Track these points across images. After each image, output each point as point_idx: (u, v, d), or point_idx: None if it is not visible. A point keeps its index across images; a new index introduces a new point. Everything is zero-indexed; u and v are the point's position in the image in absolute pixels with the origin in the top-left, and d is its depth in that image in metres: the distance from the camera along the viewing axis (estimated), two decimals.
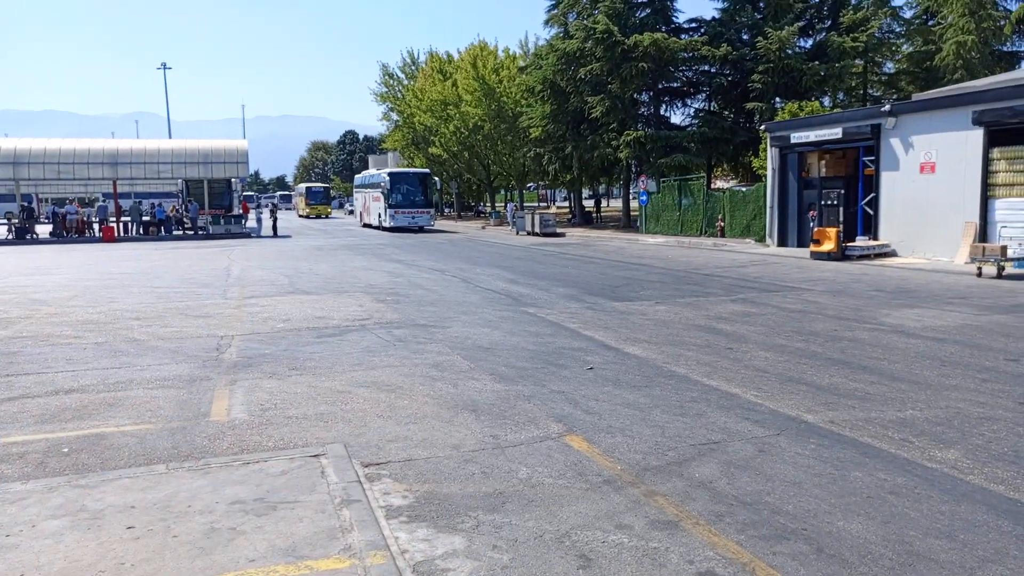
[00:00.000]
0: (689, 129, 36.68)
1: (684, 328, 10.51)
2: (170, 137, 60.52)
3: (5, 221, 42.94)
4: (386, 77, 63.13)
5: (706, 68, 36.84)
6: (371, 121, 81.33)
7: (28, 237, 36.44)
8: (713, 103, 38.86)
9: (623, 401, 6.85)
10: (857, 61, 34.53)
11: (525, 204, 59.12)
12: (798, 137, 23.77)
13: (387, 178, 41.72)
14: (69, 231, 37.59)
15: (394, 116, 62.25)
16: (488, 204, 60.90)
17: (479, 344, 9.56)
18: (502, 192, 66.30)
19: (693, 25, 38.00)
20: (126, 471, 5.08)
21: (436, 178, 43.92)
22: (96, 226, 38.26)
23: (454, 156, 53.46)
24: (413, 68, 62.60)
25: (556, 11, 40.65)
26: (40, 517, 4.29)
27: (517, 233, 37.41)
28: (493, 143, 48.92)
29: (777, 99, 33.63)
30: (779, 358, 8.54)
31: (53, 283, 17.23)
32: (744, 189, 30.16)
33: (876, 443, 5.64)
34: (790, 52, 32.56)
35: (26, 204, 40.79)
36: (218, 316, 12.02)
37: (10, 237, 36.66)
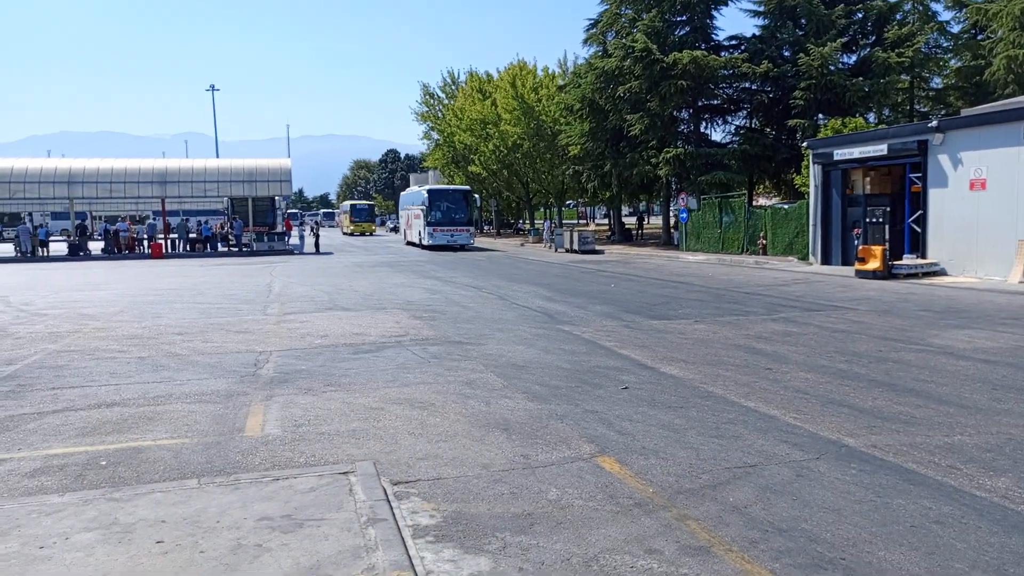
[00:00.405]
0: (730, 146, 36.33)
1: (723, 347, 10.32)
2: (217, 156, 62.05)
3: (62, 238, 44.34)
4: (427, 97, 64.01)
5: (746, 85, 36.52)
6: (412, 140, 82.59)
7: (81, 253, 37.60)
8: (754, 120, 38.47)
9: (657, 422, 6.73)
10: (903, 77, 33.91)
11: (564, 221, 59.11)
12: (841, 154, 23.34)
13: (426, 195, 41.00)
14: (120, 248, 38.69)
15: (434, 135, 62.96)
16: (527, 221, 61.03)
17: (513, 362, 9.51)
18: (541, 209, 66.42)
19: (733, 43, 37.73)
20: (159, 485, 5.14)
21: (476, 195, 42.77)
22: (145, 242, 39.31)
23: (493, 174, 53.76)
24: (453, 88, 63.32)
25: (594, 30, 40.80)
26: (74, 530, 4.35)
27: (555, 250, 37.37)
28: (532, 161, 49.08)
29: (820, 116, 33.15)
30: (820, 379, 8.32)
31: (102, 298, 17.70)
32: (786, 206, 29.69)
33: (921, 469, 5.43)
34: (833, 68, 32.09)
35: (80, 221, 42.11)
36: (258, 332, 12.19)
37: (64, 253, 37.89)
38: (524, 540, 4.32)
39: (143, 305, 16.18)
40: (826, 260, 24.43)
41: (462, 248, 40.08)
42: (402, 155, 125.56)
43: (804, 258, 25.66)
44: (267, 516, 4.51)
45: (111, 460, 5.80)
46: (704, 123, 38.79)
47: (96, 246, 41.41)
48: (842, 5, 33.94)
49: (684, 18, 36.99)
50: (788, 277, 21.21)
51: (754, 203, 37.30)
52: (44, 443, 6.29)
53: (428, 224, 40.38)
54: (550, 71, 51.45)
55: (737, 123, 39.13)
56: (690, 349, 10.25)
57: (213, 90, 68.09)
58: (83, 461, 5.80)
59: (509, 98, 46.86)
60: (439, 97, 63.87)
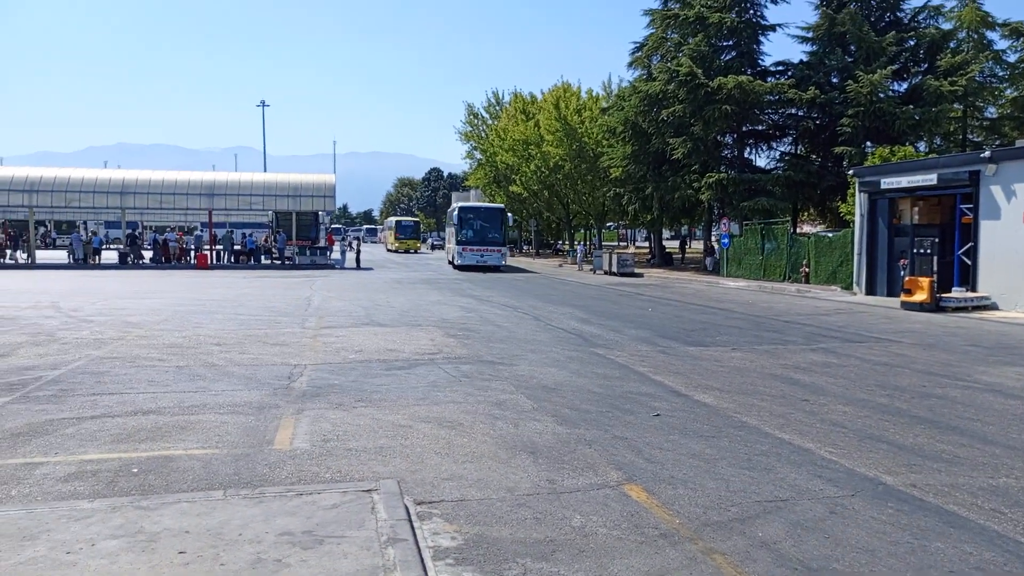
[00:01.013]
0: (774, 172, 35.90)
1: (759, 377, 10.11)
2: (265, 170, 63.44)
3: (117, 247, 45.62)
4: (471, 116, 64.70)
5: (792, 111, 36.12)
6: (456, 159, 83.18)
7: (130, 262, 38.65)
8: (799, 147, 38.01)
9: (688, 451, 6.60)
10: (956, 105, 33.17)
11: (604, 243, 58.92)
12: (889, 183, 22.86)
13: (457, 212, 39.16)
14: (169, 257, 39.66)
15: (477, 154, 63.52)
16: (566, 242, 61.00)
17: (544, 384, 9.44)
18: (581, 231, 66.35)
19: (779, 68, 37.45)
20: (186, 495, 5.19)
21: (510, 214, 40.50)
22: (192, 253, 40.25)
23: (534, 194, 53.94)
24: (497, 108, 63.91)
25: (639, 54, 40.88)
26: (100, 536, 4.41)
27: (594, 272, 37.23)
28: (573, 182, 49.14)
29: (867, 144, 32.59)
30: (859, 413, 8.08)
31: (147, 307, 18.13)
32: (830, 235, 29.16)
33: (963, 512, 5.21)
34: (882, 96, 31.58)
35: (131, 231, 43.34)
36: (294, 345, 12.33)
37: (115, 261, 39.00)
38: (545, 567, 4.24)
39: (185, 315, 16.52)
40: (871, 290, 23.88)
41: (496, 269, 37.98)
42: (445, 174, 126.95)
43: (848, 288, 25.12)
44: (288, 531, 4.52)
45: (143, 468, 5.89)
46: (748, 148, 38.44)
47: (146, 255, 42.53)
48: (893, 32, 33.47)
49: (730, 43, 36.83)
50: (830, 307, 20.76)
51: (797, 230, 36.71)
52: (80, 448, 6.42)
53: (458, 243, 38.45)
54: (594, 93, 51.66)
55: (782, 149, 38.75)
56: (726, 377, 10.06)
57: (263, 106, 69.79)
58: (116, 468, 5.90)
59: (552, 119, 47.09)
60: (483, 117, 64.52)
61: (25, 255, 40.39)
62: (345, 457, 6.25)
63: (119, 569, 3.98)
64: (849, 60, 34.04)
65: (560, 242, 69.51)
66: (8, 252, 39.92)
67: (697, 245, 62.82)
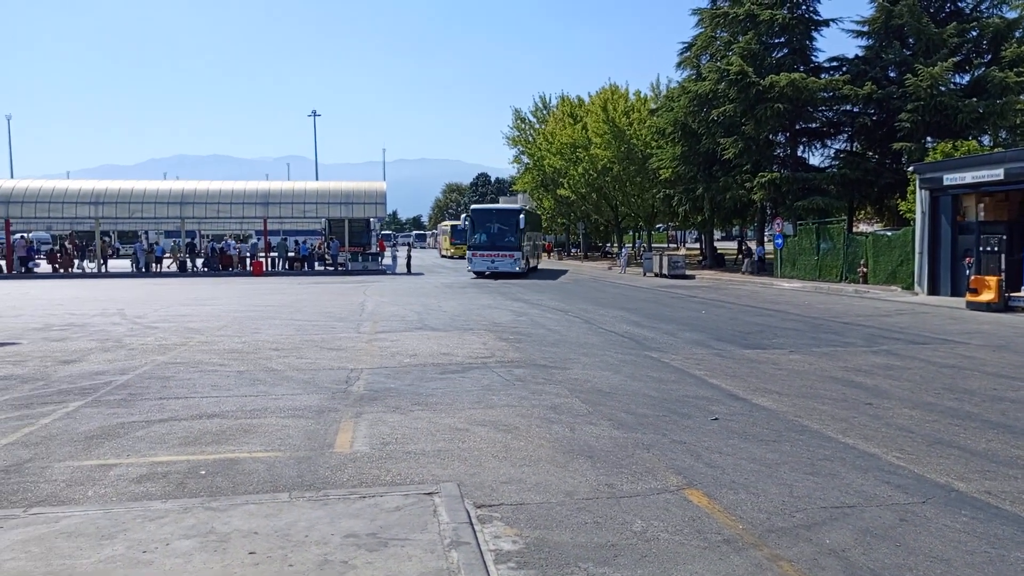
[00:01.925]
0: (829, 171, 35.07)
1: (819, 380, 9.88)
2: (317, 179, 64.65)
3: (177, 256, 46.98)
4: (518, 121, 64.82)
5: (848, 108, 35.21)
6: (503, 164, 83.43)
7: (189, 270, 39.79)
8: (855, 144, 37.05)
9: (749, 455, 6.49)
10: (1022, 97, 31.89)
11: (653, 245, 58.36)
12: (952, 179, 22.11)
13: (470, 215, 35.89)
14: (226, 265, 40.73)
15: (524, 159, 63.61)
16: (615, 244, 60.61)
17: (599, 388, 9.40)
18: (630, 233, 65.85)
19: (834, 64, 36.55)
20: (253, 497, 5.32)
21: (523, 216, 34.77)
22: (248, 260, 41.25)
23: (582, 197, 53.76)
24: (544, 112, 63.92)
25: (688, 54, 40.44)
26: (174, 536, 4.55)
27: (644, 274, 36.90)
28: (622, 184, 48.83)
29: (928, 139, 31.58)
30: (927, 417, 7.83)
31: (207, 313, 18.64)
32: (889, 233, 28.34)
33: None
34: (943, 89, 30.56)
35: (189, 240, 44.62)
36: (350, 349, 12.53)
37: (174, 269, 40.21)
38: (608, 572, 4.22)
39: (243, 321, 16.93)
40: (933, 290, 23.12)
41: (519, 275, 34.35)
42: (492, 179, 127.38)
43: (909, 288, 24.37)
44: (353, 533, 4.59)
45: (210, 470, 6.06)
46: (801, 147, 37.63)
47: (201, 263, 43.72)
48: (954, 23, 32.37)
49: (782, 40, 36.16)
50: (891, 307, 20.18)
51: (854, 229, 35.78)
52: (150, 450, 6.64)
53: (469, 248, 35.38)
54: (642, 95, 51.26)
55: (836, 147, 37.79)
56: (784, 380, 9.86)
57: (315, 115, 71.19)
58: (184, 469, 6.08)
59: (600, 122, 46.89)
60: (530, 121, 64.60)
61: (92, 264, 41.94)
62: (404, 460, 6.33)
63: (193, 568, 4.11)
64: (907, 53, 33.05)
65: (609, 244, 69.13)
66: (76, 262, 41.50)
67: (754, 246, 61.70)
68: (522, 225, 34.15)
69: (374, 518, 4.82)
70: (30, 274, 37.95)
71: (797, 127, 36.48)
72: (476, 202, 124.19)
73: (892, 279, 25.94)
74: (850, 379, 9.93)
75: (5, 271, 38.14)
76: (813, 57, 36.67)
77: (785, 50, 36.14)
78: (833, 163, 36.57)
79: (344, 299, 22.96)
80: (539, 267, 42.75)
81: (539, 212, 51.66)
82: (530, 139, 62.56)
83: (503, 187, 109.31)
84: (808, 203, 32.44)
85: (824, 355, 11.97)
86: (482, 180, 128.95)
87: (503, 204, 43.98)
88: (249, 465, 6.19)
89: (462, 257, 68.11)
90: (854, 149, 36.84)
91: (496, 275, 33.92)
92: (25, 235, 44.63)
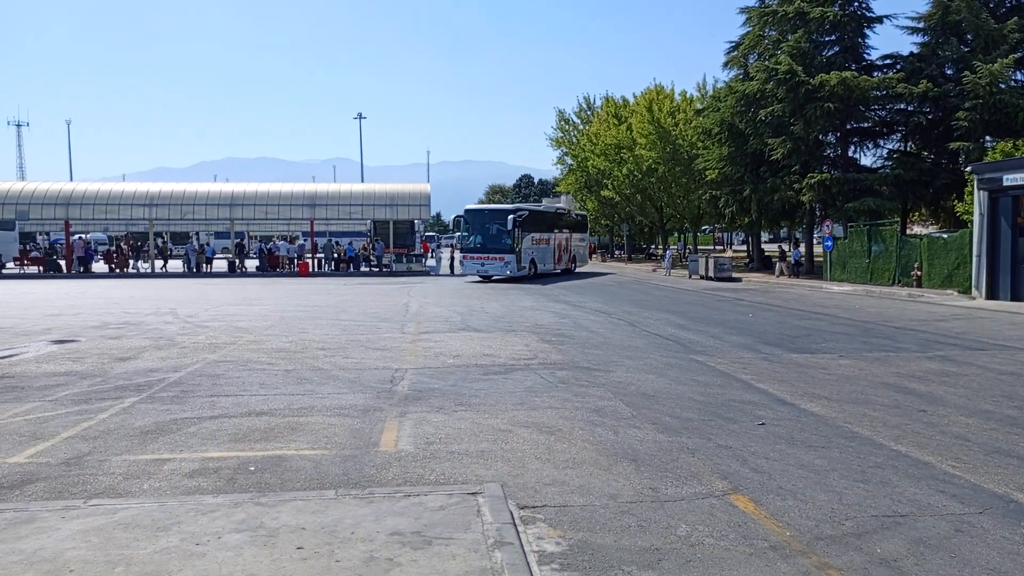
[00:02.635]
0: (881, 171, 34.19)
1: (870, 385, 9.65)
2: (362, 181, 65.48)
3: (225, 256, 48.11)
4: (562, 122, 64.69)
5: (901, 106, 34.31)
6: (546, 165, 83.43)
7: (238, 270, 40.68)
8: (909, 143, 36.05)
9: (796, 461, 6.37)
10: None
11: (699, 247, 57.66)
12: (1012, 179, 21.38)
13: (462, 216, 34.34)
14: (275, 266, 41.54)
15: (568, 160, 63.44)
16: (659, 246, 60.05)
17: (642, 391, 9.33)
18: (675, 235, 65.18)
19: (887, 62, 35.62)
20: (301, 493, 5.43)
21: (516, 216, 32.52)
22: (295, 261, 42.01)
23: (626, 199, 53.38)
24: (588, 113, 63.66)
25: (735, 53, 39.88)
26: (225, 530, 4.67)
27: (689, 277, 36.51)
28: (667, 185, 48.35)
29: (987, 138, 30.55)
30: (984, 425, 7.59)
31: (255, 313, 19.04)
32: (945, 236, 27.50)
33: None
34: (1003, 86, 29.53)
35: (238, 240, 45.61)
36: (394, 349, 12.67)
37: (224, 270, 41.18)
38: None
39: (291, 320, 17.24)
40: (992, 295, 22.38)
41: (532, 280, 33.28)
42: (536, 180, 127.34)
43: (966, 291, 23.63)
44: (398, 531, 4.65)
45: (259, 466, 6.19)
46: (852, 147, 36.76)
47: (250, 264, 44.66)
48: (1015, 18, 31.27)
49: (833, 38, 35.37)
50: (946, 312, 19.59)
51: (907, 231, 34.83)
52: (202, 446, 6.81)
53: (461, 249, 34.34)
54: (688, 95, 50.70)
55: (890, 147, 36.82)
56: (834, 386, 9.66)
57: (360, 118, 72.22)
58: (235, 465, 6.23)
59: (645, 122, 46.51)
60: (574, 123, 64.41)
61: (146, 265, 43.21)
62: (448, 460, 6.37)
63: (244, 561, 4.21)
64: (965, 50, 32.04)
65: (653, 246, 68.52)
66: (131, 263, 42.80)
67: (788, 248, 60.54)
68: (512, 226, 31.96)
69: (418, 516, 4.87)
70: (88, 273, 39.27)
71: (848, 127, 35.66)
72: (519, 203, 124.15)
73: (948, 283, 25.18)
74: (903, 385, 9.68)
75: (65, 271, 39.58)
76: (865, 55, 35.80)
77: (836, 48, 35.34)
78: (886, 163, 35.65)
79: (388, 300, 23.21)
80: (582, 270, 42.63)
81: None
82: (574, 140, 62.37)
83: (547, 188, 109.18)
84: (859, 204, 31.69)
85: (875, 360, 11.68)
86: (525, 182, 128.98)
87: (496, 204, 41.90)
88: (297, 462, 6.31)
89: None
90: (908, 149, 35.87)
91: (523, 280, 32.74)
92: (83, 236, 46.15)
